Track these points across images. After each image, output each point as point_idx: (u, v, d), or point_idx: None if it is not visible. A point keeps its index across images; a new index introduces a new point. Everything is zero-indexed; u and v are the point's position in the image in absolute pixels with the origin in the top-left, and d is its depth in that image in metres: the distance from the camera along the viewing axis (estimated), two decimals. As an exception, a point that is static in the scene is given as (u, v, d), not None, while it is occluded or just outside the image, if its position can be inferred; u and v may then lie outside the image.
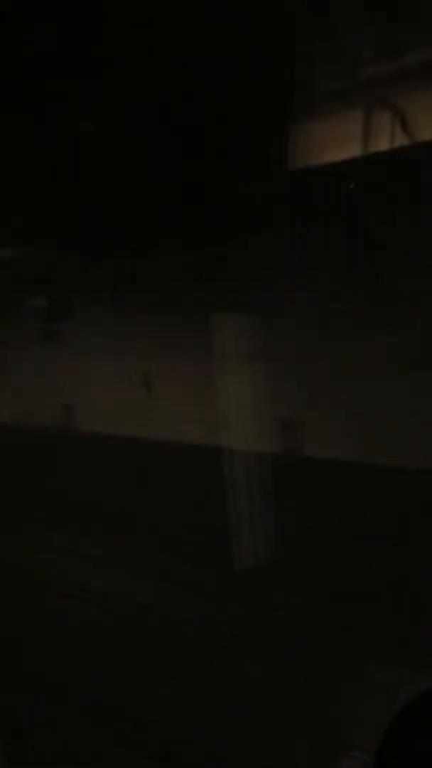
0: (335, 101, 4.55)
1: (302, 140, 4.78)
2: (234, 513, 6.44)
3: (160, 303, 7.40)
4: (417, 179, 4.62)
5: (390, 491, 5.61)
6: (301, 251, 5.92)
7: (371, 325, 5.73)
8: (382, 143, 4.36)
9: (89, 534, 7.54)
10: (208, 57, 4.26)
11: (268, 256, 6.25)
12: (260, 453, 6.45)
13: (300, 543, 5.93)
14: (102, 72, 4.24)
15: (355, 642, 4.77)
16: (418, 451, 5.39)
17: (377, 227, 5.29)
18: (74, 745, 3.85)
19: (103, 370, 8.17)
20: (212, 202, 5.52)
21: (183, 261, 6.77)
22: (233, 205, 5.50)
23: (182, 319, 7.18)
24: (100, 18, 3.86)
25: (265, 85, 4.53)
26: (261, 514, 6.25)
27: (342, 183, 4.97)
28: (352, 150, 4.50)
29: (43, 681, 4.51)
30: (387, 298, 5.65)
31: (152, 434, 7.56)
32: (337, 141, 4.57)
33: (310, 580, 5.66)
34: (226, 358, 6.73)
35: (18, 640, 5.13)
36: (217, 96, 4.45)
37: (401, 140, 4.25)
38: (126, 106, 4.61)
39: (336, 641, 4.82)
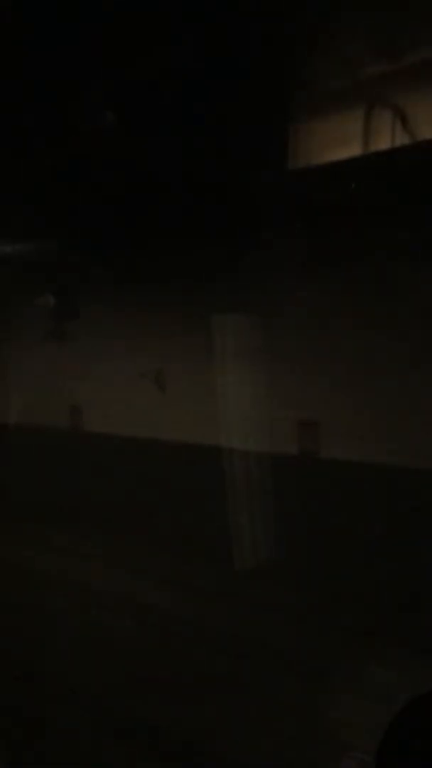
0: (335, 101, 4.55)
1: (302, 140, 4.78)
2: (247, 516, 6.41)
3: (171, 301, 7.26)
4: (417, 179, 4.62)
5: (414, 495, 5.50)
6: (310, 249, 5.87)
7: (380, 325, 5.69)
8: (383, 143, 4.35)
9: (108, 539, 7.44)
10: (208, 56, 4.26)
11: (278, 255, 6.17)
12: (274, 454, 6.37)
13: (317, 546, 5.87)
14: (101, 69, 4.24)
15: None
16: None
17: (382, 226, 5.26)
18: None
19: (113, 369, 8.01)
20: (214, 201, 5.51)
21: (197, 258, 6.63)
22: (235, 204, 5.49)
23: (195, 318, 7.03)
24: (100, 17, 3.86)
25: (266, 85, 4.54)
26: (277, 517, 6.20)
27: (342, 182, 4.96)
28: (352, 150, 4.50)
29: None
30: (398, 295, 5.59)
31: (165, 436, 7.44)
32: (337, 141, 4.57)
33: (328, 583, 5.60)
34: (240, 357, 6.66)
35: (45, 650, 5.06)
36: (217, 95, 4.45)
37: (401, 140, 4.25)
38: (126, 105, 4.61)
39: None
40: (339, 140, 4.56)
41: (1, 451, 9.10)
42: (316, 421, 6.17)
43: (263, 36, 4.09)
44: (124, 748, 3.83)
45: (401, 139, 4.25)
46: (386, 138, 4.33)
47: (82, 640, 5.22)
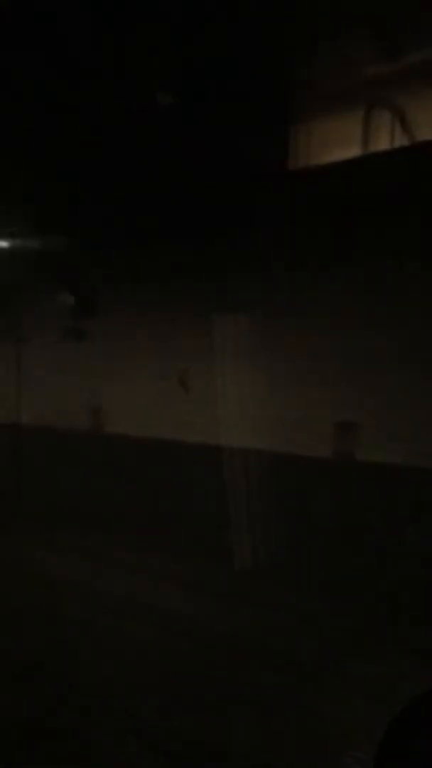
0: (335, 101, 4.55)
1: (302, 140, 4.78)
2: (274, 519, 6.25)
3: (197, 300, 7.09)
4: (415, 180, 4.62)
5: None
6: (345, 250, 5.80)
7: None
8: (382, 143, 4.35)
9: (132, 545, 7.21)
10: (208, 57, 4.26)
11: (313, 255, 6.04)
12: (311, 457, 6.20)
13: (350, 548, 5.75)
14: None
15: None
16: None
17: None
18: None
19: (136, 369, 7.85)
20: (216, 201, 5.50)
21: (223, 255, 6.56)
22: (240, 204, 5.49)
23: (219, 318, 6.88)
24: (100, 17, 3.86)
25: (266, 85, 4.54)
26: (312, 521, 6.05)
27: (342, 183, 4.96)
28: (352, 150, 4.50)
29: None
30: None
31: (189, 438, 7.22)
32: (337, 141, 4.57)
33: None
34: (268, 358, 6.53)
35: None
36: (218, 96, 4.45)
37: (401, 140, 4.25)
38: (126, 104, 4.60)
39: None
40: (339, 140, 4.56)
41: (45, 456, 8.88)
42: (352, 422, 5.96)
43: (263, 36, 4.08)
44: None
45: (401, 140, 4.25)
46: (386, 138, 4.33)
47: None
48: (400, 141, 4.26)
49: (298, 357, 6.29)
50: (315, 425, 6.16)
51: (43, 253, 7.48)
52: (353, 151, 4.50)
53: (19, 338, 9.22)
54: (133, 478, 7.72)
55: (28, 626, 5.37)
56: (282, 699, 4.27)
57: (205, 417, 7.00)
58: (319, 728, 3.90)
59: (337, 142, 4.59)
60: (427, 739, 1.12)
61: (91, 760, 3.66)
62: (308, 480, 6.20)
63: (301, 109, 4.81)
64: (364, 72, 4.27)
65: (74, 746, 3.76)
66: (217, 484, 6.72)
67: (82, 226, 6.65)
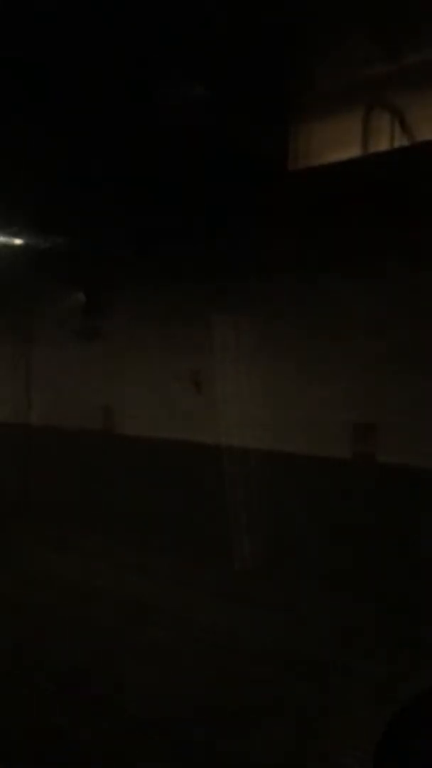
0: (335, 102, 4.56)
1: (302, 141, 4.78)
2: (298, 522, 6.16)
3: (212, 298, 7.01)
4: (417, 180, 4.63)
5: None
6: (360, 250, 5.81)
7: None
8: (382, 144, 4.36)
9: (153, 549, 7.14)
10: (208, 57, 4.26)
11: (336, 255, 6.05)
12: (328, 458, 6.14)
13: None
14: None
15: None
16: None
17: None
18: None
19: (148, 369, 7.77)
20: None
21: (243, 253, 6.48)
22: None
23: (236, 317, 6.82)
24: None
25: (266, 86, 4.54)
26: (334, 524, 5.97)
27: (342, 183, 4.98)
28: (352, 151, 4.51)
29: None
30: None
31: (206, 439, 7.09)
32: (337, 142, 4.58)
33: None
34: (283, 357, 6.50)
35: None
36: (217, 97, 4.46)
37: (401, 141, 4.26)
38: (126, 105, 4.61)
39: None
40: (338, 141, 4.56)
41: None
42: (372, 423, 5.84)
43: (263, 37, 4.08)
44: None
45: (401, 140, 4.26)
46: (386, 139, 4.34)
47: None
48: (400, 142, 4.27)
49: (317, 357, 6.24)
50: (330, 426, 6.09)
51: (53, 251, 7.40)
52: (352, 152, 4.51)
53: (27, 338, 9.18)
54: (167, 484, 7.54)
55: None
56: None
57: (220, 417, 6.93)
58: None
59: (336, 142, 4.59)
60: (427, 739, 1.14)
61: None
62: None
63: (301, 110, 4.81)
64: (364, 72, 4.28)
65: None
66: (233, 486, 6.68)
67: (90, 225, 6.60)
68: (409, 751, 1.16)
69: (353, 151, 4.59)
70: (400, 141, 4.35)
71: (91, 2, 3.77)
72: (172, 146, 4.80)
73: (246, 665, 4.73)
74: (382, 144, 4.46)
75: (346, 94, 4.54)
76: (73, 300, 8.31)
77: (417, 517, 5.46)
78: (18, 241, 7.21)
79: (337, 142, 4.65)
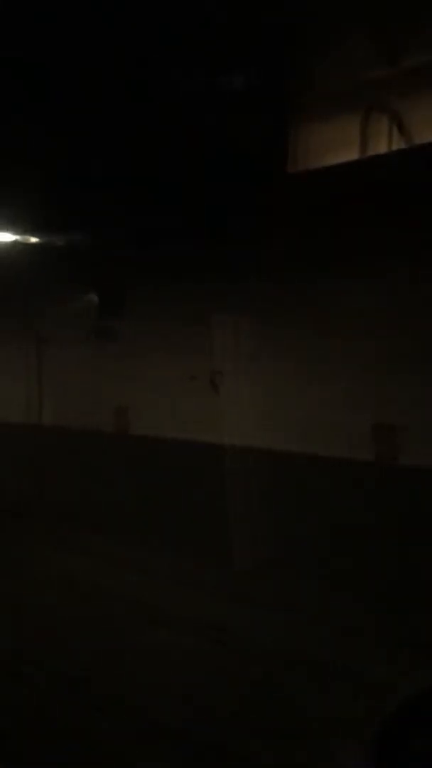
0: (335, 102, 4.56)
1: (302, 141, 4.79)
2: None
3: (229, 296, 6.93)
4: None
5: None
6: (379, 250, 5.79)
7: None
8: (381, 146, 4.36)
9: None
10: (208, 57, 4.26)
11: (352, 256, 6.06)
12: (348, 460, 6.08)
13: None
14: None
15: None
16: None
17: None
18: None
19: (162, 369, 7.71)
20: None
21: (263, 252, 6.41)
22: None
23: (253, 316, 6.75)
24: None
25: (266, 86, 4.54)
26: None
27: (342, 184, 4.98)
28: (352, 151, 4.51)
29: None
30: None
31: (221, 440, 7.00)
32: (337, 142, 4.58)
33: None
34: (302, 357, 6.45)
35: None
36: (217, 99, 4.46)
37: (399, 144, 4.26)
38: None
39: None
40: (338, 142, 4.57)
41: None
42: (392, 424, 5.78)
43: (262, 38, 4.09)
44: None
45: (399, 143, 4.26)
46: (384, 141, 4.34)
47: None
48: (398, 144, 4.27)
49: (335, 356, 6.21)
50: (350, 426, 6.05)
51: (63, 251, 7.31)
52: (352, 153, 4.51)
53: (40, 338, 9.14)
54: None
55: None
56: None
57: (239, 418, 6.89)
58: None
59: (337, 143, 4.60)
60: (426, 739, 1.15)
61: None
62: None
63: (301, 110, 4.81)
64: (364, 74, 4.28)
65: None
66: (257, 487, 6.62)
67: (105, 224, 6.53)
68: (408, 751, 1.17)
69: (353, 152, 4.59)
70: (399, 144, 4.35)
71: (91, 2, 3.78)
72: (172, 146, 4.80)
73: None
74: (380, 146, 4.46)
75: (346, 94, 4.55)
76: (88, 300, 8.24)
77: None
78: (29, 241, 7.15)
79: (337, 143, 4.65)
